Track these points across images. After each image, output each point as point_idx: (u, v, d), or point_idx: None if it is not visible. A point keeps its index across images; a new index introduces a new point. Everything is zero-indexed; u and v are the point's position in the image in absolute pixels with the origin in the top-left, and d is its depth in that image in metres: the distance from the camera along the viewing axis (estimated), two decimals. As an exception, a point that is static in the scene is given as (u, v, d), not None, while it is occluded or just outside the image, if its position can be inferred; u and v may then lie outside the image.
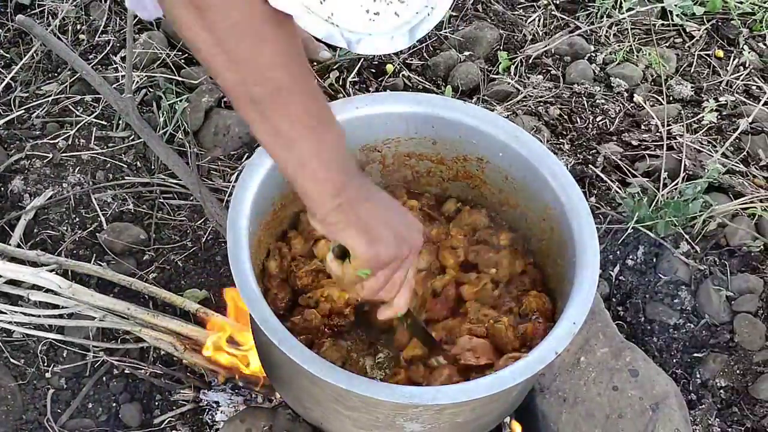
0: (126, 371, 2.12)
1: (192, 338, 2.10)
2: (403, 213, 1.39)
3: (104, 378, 2.12)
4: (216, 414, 2.06)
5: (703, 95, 2.70)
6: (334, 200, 1.24)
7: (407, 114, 1.87)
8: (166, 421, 2.07)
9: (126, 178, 2.45)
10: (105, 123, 2.56)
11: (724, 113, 2.63)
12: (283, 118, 1.19)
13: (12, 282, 2.18)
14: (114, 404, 2.09)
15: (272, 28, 1.13)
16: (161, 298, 2.20)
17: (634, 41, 2.81)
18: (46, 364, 2.12)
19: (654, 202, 2.29)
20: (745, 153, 2.51)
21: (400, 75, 2.72)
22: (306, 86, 1.21)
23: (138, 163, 2.49)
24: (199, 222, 2.38)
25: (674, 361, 2.16)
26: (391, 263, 1.32)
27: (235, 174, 2.46)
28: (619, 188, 2.37)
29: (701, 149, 2.47)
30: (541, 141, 2.37)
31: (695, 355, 2.17)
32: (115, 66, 2.68)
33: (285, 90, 1.18)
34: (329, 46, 2.67)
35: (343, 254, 1.35)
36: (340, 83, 2.69)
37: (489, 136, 1.86)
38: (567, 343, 1.60)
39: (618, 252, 2.28)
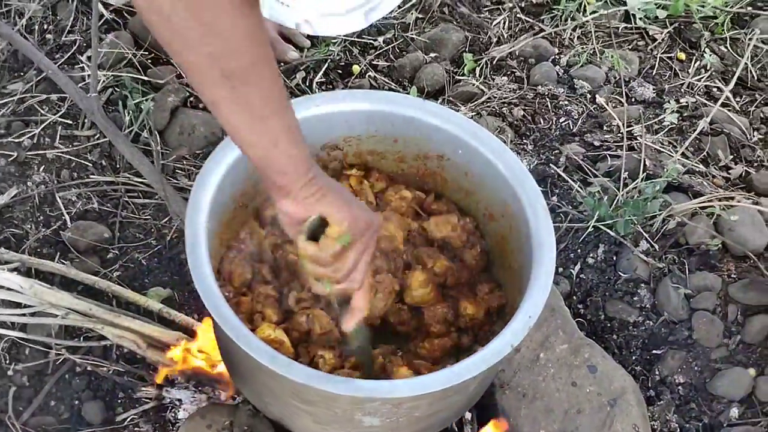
0: (88, 369, 2.10)
1: (154, 337, 2.08)
2: (352, 195, 1.45)
3: (66, 376, 2.10)
4: (179, 412, 2.06)
5: (664, 97, 2.72)
6: (307, 175, 1.27)
7: (367, 112, 1.88)
8: (128, 419, 2.05)
9: (91, 176, 2.44)
10: (70, 122, 2.55)
11: (685, 114, 2.66)
12: (255, 93, 1.19)
13: (-26, 280, 2.16)
14: (76, 402, 2.08)
15: (248, 5, 1.13)
16: (124, 297, 2.19)
17: (597, 44, 2.83)
18: (8, 362, 2.10)
19: (614, 202, 2.30)
20: (704, 153, 2.54)
21: (367, 76, 2.73)
22: (274, 65, 1.22)
23: (103, 162, 2.48)
24: (163, 220, 2.38)
25: (633, 358, 2.17)
26: (365, 233, 1.36)
27: (200, 173, 2.45)
28: (581, 188, 2.39)
29: (662, 150, 2.49)
30: (503, 140, 2.40)
31: (654, 352, 2.18)
32: (81, 65, 2.66)
33: (258, 65, 1.18)
34: (297, 47, 2.67)
35: (314, 235, 1.35)
36: (307, 84, 2.69)
37: (448, 133, 1.87)
38: (522, 337, 1.62)
39: (579, 250, 2.29)
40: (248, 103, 1.20)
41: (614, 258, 2.29)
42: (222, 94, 1.18)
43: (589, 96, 2.69)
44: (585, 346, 1.99)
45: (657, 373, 2.14)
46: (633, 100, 2.70)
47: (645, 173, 2.37)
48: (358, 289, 1.47)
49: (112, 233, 2.34)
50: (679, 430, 2.04)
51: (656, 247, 2.27)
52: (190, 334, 2.13)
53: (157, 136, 2.50)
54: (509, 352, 1.60)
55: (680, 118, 2.60)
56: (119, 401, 2.08)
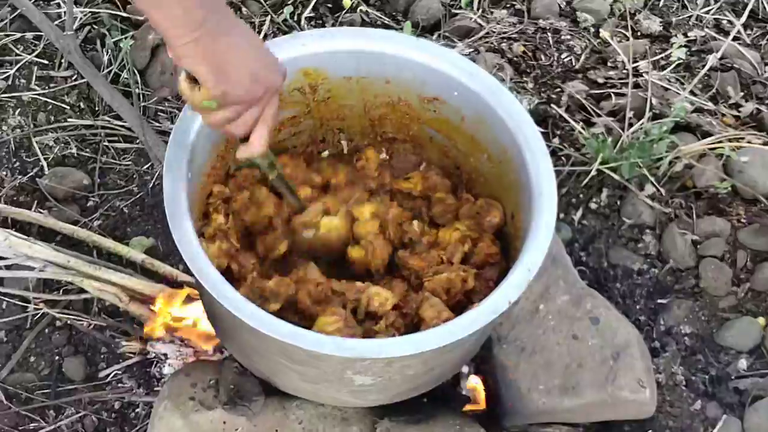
0: (69, 323, 2.05)
1: (137, 290, 2.02)
2: (264, 51, 1.38)
3: (46, 330, 2.06)
4: (164, 367, 2.03)
5: (671, 30, 2.62)
6: (191, 35, 1.20)
7: (356, 52, 1.79)
8: (111, 374, 2.02)
9: (69, 120, 2.37)
10: (46, 62, 2.47)
11: (693, 49, 2.56)
12: None
13: (-54, 231, 2.09)
14: (57, 357, 2.04)
15: None
16: (105, 247, 2.13)
17: (601, -27, 2.72)
18: (-17, 317, 2.05)
19: (618, 143, 2.22)
20: (714, 91, 2.44)
21: (358, 10, 2.63)
22: None
23: (81, 104, 2.40)
24: (145, 166, 2.31)
25: (638, 307, 2.11)
26: (241, 102, 1.33)
27: (183, 115, 2.37)
28: (584, 128, 2.30)
29: (669, 87, 2.40)
30: (502, 78, 2.32)
31: (659, 301, 2.12)
32: (56, 2, 2.57)
33: None
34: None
35: (194, 79, 1.31)
36: (295, 19, 2.60)
37: (442, 73, 1.77)
38: (521, 292, 1.55)
39: (581, 195, 2.22)
40: None
41: (618, 203, 2.22)
42: None
43: (592, 30, 2.60)
44: (587, 296, 1.93)
45: (662, 323, 2.09)
46: (638, 34, 2.60)
47: (651, 112, 2.28)
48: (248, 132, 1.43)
49: (91, 180, 2.28)
50: (684, 382, 1.99)
51: (662, 191, 2.20)
52: (175, 285, 2.07)
53: (138, 76, 2.43)
54: (507, 308, 1.54)
55: (688, 53, 2.50)
56: (102, 357, 2.04)
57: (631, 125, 2.27)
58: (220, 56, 1.25)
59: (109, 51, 2.44)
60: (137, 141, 2.32)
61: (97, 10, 2.52)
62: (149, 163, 2.29)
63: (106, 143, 2.33)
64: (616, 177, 2.19)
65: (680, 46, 2.43)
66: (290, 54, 1.74)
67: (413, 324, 1.68)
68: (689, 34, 2.59)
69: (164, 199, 1.55)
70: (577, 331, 1.88)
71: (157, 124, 2.36)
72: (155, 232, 2.21)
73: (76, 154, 2.31)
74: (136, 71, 2.41)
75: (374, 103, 1.87)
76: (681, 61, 2.47)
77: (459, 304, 1.71)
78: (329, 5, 2.66)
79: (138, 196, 2.26)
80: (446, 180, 1.88)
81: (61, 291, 2.09)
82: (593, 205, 2.21)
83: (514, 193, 1.76)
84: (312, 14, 2.61)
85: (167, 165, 1.60)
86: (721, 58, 2.49)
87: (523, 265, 1.58)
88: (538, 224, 1.62)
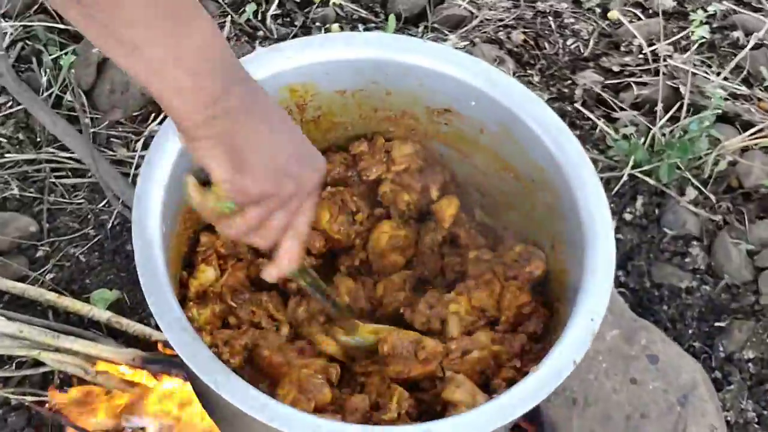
0: (26, 404, 1.75)
1: (104, 358, 1.74)
2: (299, 138, 1.11)
3: (1, 412, 1.76)
4: (143, 441, 1.75)
5: (686, 5, 2.37)
6: (204, 111, 0.98)
7: (350, 61, 1.53)
8: (82, 457, 1.73)
9: (6, 155, 2.08)
10: (-27, 89, 2.16)
11: (714, 25, 2.31)
12: (117, 19, 0.90)
13: None
14: (16, 444, 1.74)
15: None
16: (62, 306, 1.84)
17: (601, -56, 2.45)
18: None
19: (646, 140, 1.96)
20: (745, 72, 2.19)
21: (330, 4, 2.34)
22: None
23: (20, 135, 2.12)
24: (101, 204, 2.02)
25: (690, 332, 1.87)
26: (267, 201, 1.08)
27: (141, 141, 2.08)
28: (606, 125, 2.04)
29: (695, 71, 2.14)
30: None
31: (716, 324, 1.88)
32: (-19, 16, 2.26)
33: None
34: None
35: (208, 180, 1.08)
36: (259, 18, 2.31)
37: (455, 80, 1.51)
38: (587, 348, 1.30)
39: (613, 205, 1.97)
40: (108, 32, 0.91)
41: (656, 211, 1.98)
42: (74, 17, 0.91)
43: (598, 11, 2.34)
44: (640, 329, 1.68)
45: (721, 349, 1.85)
46: (650, 12, 2.34)
47: (679, 102, 2.02)
48: (275, 246, 1.17)
49: (39, 225, 1.99)
50: (756, 419, 1.75)
51: (707, 194, 1.94)
52: (148, 346, 1.79)
53: (84, 97, 2.15)
54: (572, 370, 1.28)
55: (710, 30, 2.24)
56: (69, 436, 1.74)
57: (657, 118, 2.00)
58: (240, 141, 1.01)
59: (48, 70, 2.16)
60: (89, 175, 2.03)
61: (29, 24, 2.22)
62: (105, 200, 2.00)
63: (53, 180, 2.04)
64: (651, 182, 1.94)
65: (701, 23, 2.17)
66: (272, 69, 1.50)
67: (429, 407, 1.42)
68: (708, 8, 2.33)
69: (137, 268, 1.29)
70: (634, 373, 1.64)
71: (111, 153, 2.08)
72: (119, 282, 1.93)
73: (18, 196, 2.02)
74: (81, 92, 2.14)
75: (374, 119, 1.63)
76: (704, 40, 2.21)
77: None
78: (296, 0, 2.36)
79: (95, 240, 1.98)
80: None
81: (14, 365, 1.79)
82: (628, 216, 1.96)
83: (552, 220, 1.51)
84: (278, 11, 2.32)
85: (137, 219, 1.34)
86: (746, 34, 2.24)
87: (584, 313, 1.33)
88: (593, 260, 1.38)
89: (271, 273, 1.19)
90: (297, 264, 1.19)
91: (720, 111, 1.96)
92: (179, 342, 1.24)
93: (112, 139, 2.11)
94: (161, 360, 1.76)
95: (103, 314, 1.84)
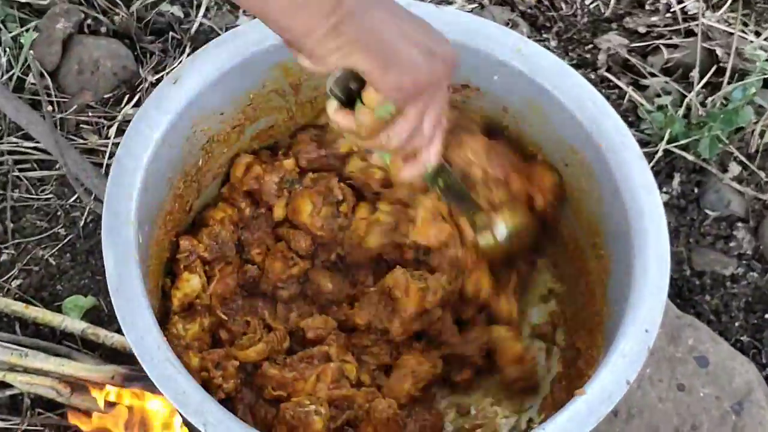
0: (-7, 431, 1.60)
1: (80, 377, 1.58)
2: (419, 20, 1.04)
3: (-36, 441, 1.60)
4: (126, 467, 1.59)
5: (714, -45, 2.18)
6: (327, 21, 0.93)
7: None
8: (57, 485, 1.59)
9: (-37, 147, 1.90)
10: (-73, 73, 2.00)
11: (749, -22, 2.13)
12: None
13: None
14: (-16, 476, 1.58)
15: None
16: (31, 318, 1.68)
17: None
18: None
19: (685, 112, 1.78)
20: (784, 30, 2.02)
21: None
22: None
23: (-23, 124, 1.94)
24: (72, 199, 1.84)
25: (737, 325, 1.70)
26: (423, 89, 1.02)
27: (114, 127, 1.89)
28: (635, 92, 1.86)
29: (732, 31, 1.95)
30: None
31: (766, 315, 1.72)
32: (-71, -9, 2.07)
33: None
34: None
35: (348, 98, 1.02)
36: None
37: (475, 51, 1.35)
38: (641, 364, 1.15)
39: (647, 184, 1.79)
40: None
41: (695, 190, 1.81)
42: None
43: (619, -35, 2.15)
44: (685, 327, 1.53)
45: (772, 343, 1.69)
46: (675, -37, 2.16)
47: (715, 66, 1.85)
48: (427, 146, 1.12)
49: (2, 225, 1.82)
50: (818, 425, 1.58)
51: (753, 169, 1.76)
52: (129, 359, 1.62)
53: (48, 79, 1.96)
54: (625, 392, 1.13)
55: (743, -18, 2.07)
56: (43, 463, 1.62)
57: (690, 84, 1.83)
58: (375, 39, 0.96)
59: (8, 50, 1.97)
60: (57, 166, 1.84)
61: (-15, -3, 2.02)
62: (75, 195, 1.82)
63: (17, 173, 1.86)
64: (689, 157, 1.77)
65: (734, -26, 2.00)
66: (261, 45, 1.34)
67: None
68: (739, -43, 2.15)
69: (110, 290, 1.12)
70: (682, 379, 1.49)
71: (81, 141, 1.90)
72: (95, 287, 1.76)
73: (-22, 193, 1.84)
74: (45, 73, 1.96)
75: (379, 98, 1.44)
76: (739, -6, 2.04)
77: None
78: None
79: (67, 240, 1.80)
80: None
81: (-23, 387, 1.62)
82: (664, 197, 1.79)
83: (590, 212, 1.35)
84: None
85: (108, 226, 1.17)
86: (783, -14, 2.07)
87: (636, 323, 1.18)
88: (643, 258, 1.23)
89: (410, 171, 1.13)
90: (442, 151, 1.14)
91: (766, 75, 1.79)
92: (160, 377, 1.07)
93: (81, 126, 1.93)
94: (144, 377, 1.59)
95: (77, 325, 1.66)
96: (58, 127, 1.88)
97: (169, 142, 1.24)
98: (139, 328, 1.09)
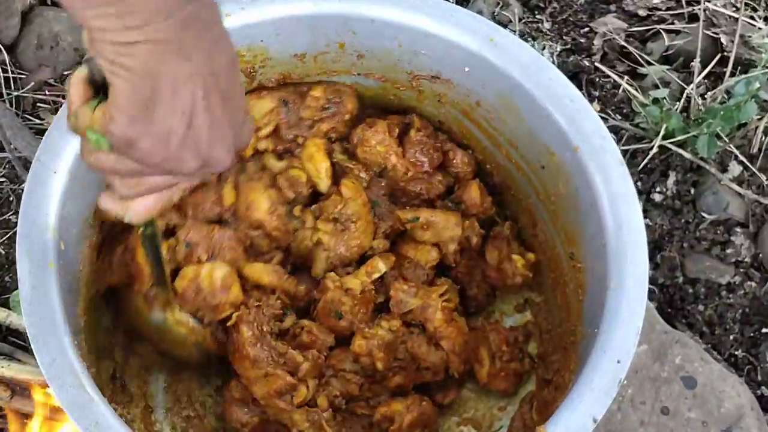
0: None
1: (22, 380, 1.54)
2: (237, 99, 0.92)
3: None
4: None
5: (724, -66, 2.08)
6: (127, 34, 0.81)
7: (312, 17, 1.30)
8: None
9: None
10: None
11: (757, -41, 2.03)
12: None
13: None
14: None
15: None
16: (-30, 312, 1.64)
17: None
18: None
19: (685, 105, 1.69)
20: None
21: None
22: None
23: (-73, 103, 1.90)
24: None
25: (731, 338, 1.63)
26: (149, 167, 0.91)
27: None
28: (631, 84, 1.76)
29: (737, 16, 1.85)
30: (509, 20, 1.86)
31: (763, 330, 1.64)
32: None
33: None
34: None
35: (98, 88, 0.90)
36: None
37: (445, 41, 1.29)
38: (611, 400, 1.07)
39: (639, 183, 1.75)
40: None
41: (692, 191, 1.74)
42: None
43: (618, -58, 2.05)
44: (673, 344, 1.46)
45: (768, 359, 1.64)
46: (680, -59, 2.07)
47: (719, 55, 1.75)
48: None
49: (-54, 211, 1.79)
50: (816, 452, 1.50)
51: (754, 171, 1.68)
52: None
53: (5, 54, 1.89)
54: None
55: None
56: (-19, 475, 1.58)
57: (689, 74, 1.73)
58: (158, 82, 0.83)
59: (-38, 22, 1.91)
60: (11, 147, 1.78)
61: (-61, -36, 1.94)
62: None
63: (-33, 156, 1.81)
64: (686, 155, 1.69)
65: (742, -44, 1.90)
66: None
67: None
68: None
69: (20, 297, 1.05)
70: (667, 402, 1.43)
71: (38, 121, 1.84)
72: (45, 279, 1.66)
73: (-76, 177, 1.80)
74: (2, 48, 1.89)
75: (341, 89, 1.42)
76: (747, -23, 1.94)
77: None
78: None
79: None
80: None
81: None
82: (657, 197, 1.72)
83: (567, 219, 1.28)
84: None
85: (24, 232, 1.09)
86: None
87: (608, 353, 1.09)
88: (621, 277, 1.13)
89: (109, 205, 1.01)
90: (148, 218, 1.04)
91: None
92: (72, 405, 0.98)
93: (39, 105, 1.87)
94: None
95: (22, 321, 1.60)
96: (14, 106, 1.82)
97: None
98: (51, 349, 1.01)
